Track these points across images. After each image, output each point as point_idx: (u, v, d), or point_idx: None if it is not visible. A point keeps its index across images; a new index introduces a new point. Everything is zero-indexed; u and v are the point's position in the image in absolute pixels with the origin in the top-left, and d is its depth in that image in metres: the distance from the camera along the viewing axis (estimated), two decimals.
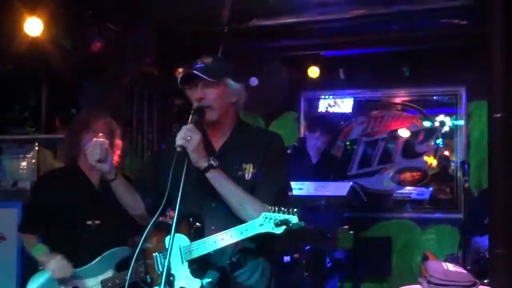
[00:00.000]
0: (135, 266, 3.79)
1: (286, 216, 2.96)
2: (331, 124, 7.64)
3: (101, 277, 4.23)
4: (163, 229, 3.27)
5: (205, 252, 3.16)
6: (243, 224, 3.09)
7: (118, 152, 4.55)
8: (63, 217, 4.37)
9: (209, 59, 3.33)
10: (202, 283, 3.18)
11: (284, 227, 2.97)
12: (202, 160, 3.13)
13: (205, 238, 3.16)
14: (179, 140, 3.06)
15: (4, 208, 6.49)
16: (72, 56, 6.14)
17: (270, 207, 3.01)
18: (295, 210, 2.98)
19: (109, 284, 4.20)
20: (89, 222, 4.38)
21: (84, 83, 6.69)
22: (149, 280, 3.37)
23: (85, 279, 4.25)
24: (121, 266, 4.30)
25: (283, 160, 3.50)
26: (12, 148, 6.82)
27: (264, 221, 3.01)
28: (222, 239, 3.11)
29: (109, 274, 4.26)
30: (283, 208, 2.98)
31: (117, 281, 4.21)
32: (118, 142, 4.57)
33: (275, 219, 2.98)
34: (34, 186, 4.81)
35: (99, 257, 4.27)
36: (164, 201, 2.97)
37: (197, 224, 3.24)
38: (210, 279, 3.19)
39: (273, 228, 2.99)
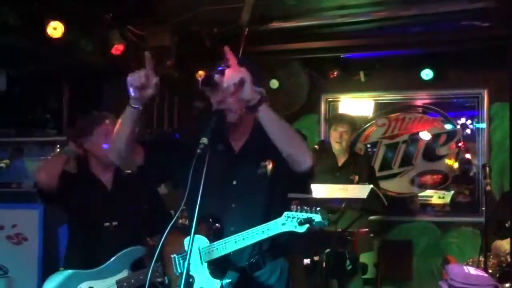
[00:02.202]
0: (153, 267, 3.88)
1: (309, 215, 2.95)
2: (346, 115, 7.60)
3: (116, 277, 4.26)
4: (181, 230, 3.26)
5: (225, 252, 3.15)
6: (265, 224, 3.07)
7: None
8: (81, 221, 4.41)
9: None
10: (222, 283, 3.18)
11: (307, 225, 2.95)
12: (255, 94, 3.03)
13: (225, 239, 3.16)
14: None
15: (25, 209, 6.54)
16: (93, 58, 6.17)
17: (292, 207, 3.00)
18: (318, 209, 2.97)
19: (124, 284, 4.24)
20: (106, 224, 4.39)
21: (105, 85, 6.73)
22: (167, 281, 3.36)
23: (101, 279, 4.27)
24: (136, 266, 4.32)
25: None
26: (33, 150, 6.86)
27: (287, 220, 3.00)
28: (243, 239, 3.10)
29: (124, 274, 4.28)
30: (305, 207, 2.98)
31: (132, 281, 4.24)
32: None
33: (297, 218, 2.97)
34: None
35: (114, 257, 4.29)
36: (184, 201, 2.95)
37: (217, 225, 3.23)
38: (230, 280, 3.19)
39: (295, 227, 2.97)
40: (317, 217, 2.95)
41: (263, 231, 3.06)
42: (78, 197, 4.43)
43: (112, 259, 4.29)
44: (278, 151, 3.27)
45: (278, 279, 3.35)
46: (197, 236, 3.13)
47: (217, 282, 3.17)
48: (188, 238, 2.90)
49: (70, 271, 4.30)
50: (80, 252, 4.42)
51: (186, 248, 3.17)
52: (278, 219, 3.03)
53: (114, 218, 4.39)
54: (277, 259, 3.35)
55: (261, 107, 3.03)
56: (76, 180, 4.52)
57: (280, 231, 3.02)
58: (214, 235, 3.20)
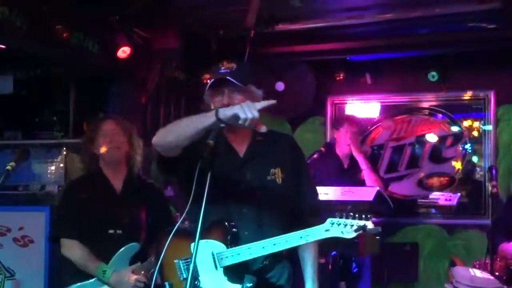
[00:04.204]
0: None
1: (363, 222, 2.95)
2: (357, 119, 7.57)
3: None
4: (184, 235, 3.22)
5: (248, 258, 3.13)
6: (305, 230, 3.07)
7: (139, 151, 4.57)
8: (86, 227, 4.36)
9: (233, 64, 3.29)
10: (242, 287, 3.17)
11: (359, 232, 2.96)
12: None
13: (250, 244, 3.13)
14: None
15: (32, 211, 6.55)
16: (99, 60, 6.18)
17: (336, 214, 3.02)
18: (368, 216, 2.97)
19: None
20: (111, 231, 4.35)
21: (111, 87, 6.75)
22: (168, 287, 3.34)
23: (104, 285, 4.25)
24: (134, 262, 4.32)
25: (307, 164, 3.65)
26: (40, 152, 6.89)
27: (331, 226, 3.00)
28: (274, 244, 3.09)
29: None
30: (351, 213, 2.99)
31: None
32: (137, 142, 4.58)
33: (347, 224, 2.97)
34: (65, 195, 4.73)
35: (112, 259, 4.27)
36: (189, 205, 2.95)
37: (234, 229, 3.21)
38: (250, 284, 3.16)
39: (342, 233, 2.98)
40: (369, 224, 2.95)
41: (301, 237, 3.06)
42: (89, 202, 4.41)
43: (110, 262, 4.27)
44: (284, 159, 3.35)
45: (287, 280, 3.38)
46: (210, 241, 3.15)
47: (237, 287, 3.16)
48: (193, 243, 2.89)
49: (75, 285, 4.28)
50: None
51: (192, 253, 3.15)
52: (321, 225, 3.03)
53: (119, 226, 4.35)
54: (282, 261, 3.37)
55: None
56: (88, 183, 4.52)
57: (322, 237, 3.04)
58: (232, 240, 3.18)
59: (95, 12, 5.89)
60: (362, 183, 6.52)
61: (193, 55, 6.95)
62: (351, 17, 6.52)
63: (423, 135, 8.05)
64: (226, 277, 3.16)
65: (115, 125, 4.48)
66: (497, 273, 5.23)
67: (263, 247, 3.10)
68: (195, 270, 3.07)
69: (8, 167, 4.11)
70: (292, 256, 3.43)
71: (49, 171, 6.94)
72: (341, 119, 7.58)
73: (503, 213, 6.07)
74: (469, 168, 7.91)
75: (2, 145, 7.03)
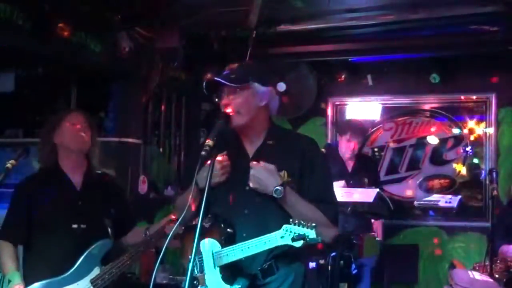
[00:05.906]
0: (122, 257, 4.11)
1: (303, 231, 2.95)
2: (361, 127, 7.53)
3: (89, 277, 4.14)
4: (204, 232, 3.19)
5: (234, 258, 3.14)
6: (266, 235, 3.07)
7: (98, 145, 4.46)
8: (47, 222, 4.23)
9: (235, 65, 3.33)
10: None
11: (301, 241, 2.96)
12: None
13: (234, 246, 3.15)
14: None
15: None
16: (101, 60, 6.18)
17: (291, 220, 3.02)
18: (313, 224, 2.96)
19: (99, 282, 4.13)
20: (74, 226, 4.21)
21: (112, 86, 6.75)
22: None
23: (74, 283, 4.12)
24: (107, 260, 4.22)
25: (326, 165, 3.55)
26: None
27: (285, 234, 3.00)
28: (248, 247, 3.10)
29: (96, 271, 4.16)
30: (302, 221, 2.97)
31: (106, 276, 4.14)
32: (96, 137, 4.47)
33: (292, 233, 2.98)
34: (15, 191, 4.47)
35: (82, 257, 4.15)
36: (188, 207, 2.96)
37: (228, 230, 3.21)
38: (239, 286, 3.17)
39: (292, 241, 2.99)
40: (311, 233, 2.95)
41: (265, 242, 3.07)
42: (47, 198, 4.28)
43: (81, 259, 4.15)
44: (294, 161, 3.29)
45: (291, 285, 3.30)
46: (211, 240, 3.18)
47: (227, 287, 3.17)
48: (203, 241, 2.92)
49: (40, 283, 4.11)
50: (44, 258, 4.22)
51: (201, 250, 3.18)
52: (277, 232, 3.03)
53: (82, 221, 4.23)
54: (292, 264, 3.31)
55: (284, 193, 3.14)
56: (45, 179, 4.37)
57: (279, 243, 3.03)
58: (225, 241, 3.19)
59: (97, 11, 5.89)
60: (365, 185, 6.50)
61: (195, 55, 6.95)
62: (352, 19, 6.52)
63: (424, 137, 8.05)
64: (220, 276, 3.18)
65: (83, 117, 4.36)
66: (496, 276, 5.23)
67: (242, 250, 3.12)
68: (202, 267, 3.16)
69: (8, 165, 4.09)
70: (301, 260, 3.41)
71: None
72: (345, 126, 7.24)
73: (504, 215, 6.07)
74: (469, 170, 7.91)
75: (3, 143, 7.03)
